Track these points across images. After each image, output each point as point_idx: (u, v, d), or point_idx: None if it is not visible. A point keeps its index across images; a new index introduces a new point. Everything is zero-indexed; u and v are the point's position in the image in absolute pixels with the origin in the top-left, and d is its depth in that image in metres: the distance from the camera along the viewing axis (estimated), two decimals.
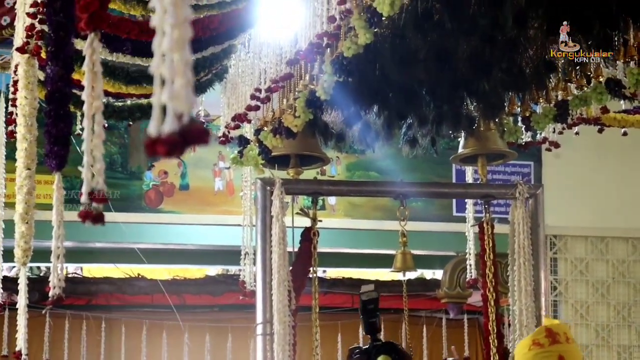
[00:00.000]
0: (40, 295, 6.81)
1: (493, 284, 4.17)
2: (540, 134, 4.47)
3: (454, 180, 7.61)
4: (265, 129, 3.95)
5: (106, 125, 4.36)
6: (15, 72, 3.55)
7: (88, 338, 8.57)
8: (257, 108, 3.92)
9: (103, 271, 8.95)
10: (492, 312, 4.14)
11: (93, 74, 1.55)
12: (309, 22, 3.23)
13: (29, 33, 3.15)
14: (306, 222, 4.14)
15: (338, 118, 4.12)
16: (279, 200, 3.91)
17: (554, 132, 4.46)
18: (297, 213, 4.14)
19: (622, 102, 4.05)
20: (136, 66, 4.09)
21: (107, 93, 4.33)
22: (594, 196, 7.69)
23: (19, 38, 3.40)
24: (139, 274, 8.75)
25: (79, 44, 3.00)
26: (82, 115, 1.62)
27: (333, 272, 9.09)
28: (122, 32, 3.58)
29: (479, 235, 4.28)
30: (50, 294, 2.67)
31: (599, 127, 4.82)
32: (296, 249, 4.13)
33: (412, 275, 7.70)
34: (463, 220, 5.49)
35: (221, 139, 4.53)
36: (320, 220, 4.15)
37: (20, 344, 3.34)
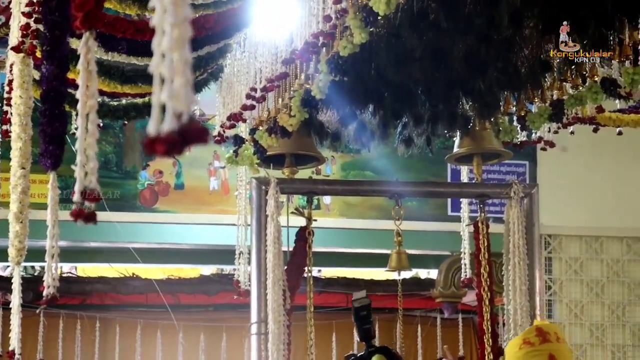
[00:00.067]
0: (35, 295, 6.82)
1: (488, 283, 4.18)
2: (536, 133, 4.47)
3: (449, 180, 7.61)
4: (261, 128, 3.95)
5: (101, 124, 4.34)
6: (10, 71, 3.54)
7: (82, 337, 8.55)
8: (252, 107, 3.92)
9: (97, 271, 8.92)
10: (487, 311, 4.14)
11: (88, 73, 1.55)
12: (305, 21, 3.23)
13: (24, 32, 3.15)
14: (301, 221, 4.14)
15: (333, 117, 4.12)
16: (274, 199, 3.90)
17: (549, 131, 4.47)
18: (292, 212, 4.14)
19: (617, 101, 4.05)
20: (131, 65, 4.08)
21: (102, 92, 4.32)
22: (589, 196, 7.69)
23: (14, 37, 3.39)
24: (133, 274, 8.73)
25: (74, 43, 2.99)
26: (78, 115, 1.61)
27: (328, 272, 9.08)
28: (117, 31, 3.57)
29: (474, 234, 4.29)
30: (45, 293, 2.66)
31: (594, 126, 4.83)
32: (291, 249, 4.12)
33: (406, 274, 7.72)
34: (458, 219, 5.49)
35: (216, 138, 4.52)
36: (315, 220, 4.14)
37: (14, 343, 3.33)
